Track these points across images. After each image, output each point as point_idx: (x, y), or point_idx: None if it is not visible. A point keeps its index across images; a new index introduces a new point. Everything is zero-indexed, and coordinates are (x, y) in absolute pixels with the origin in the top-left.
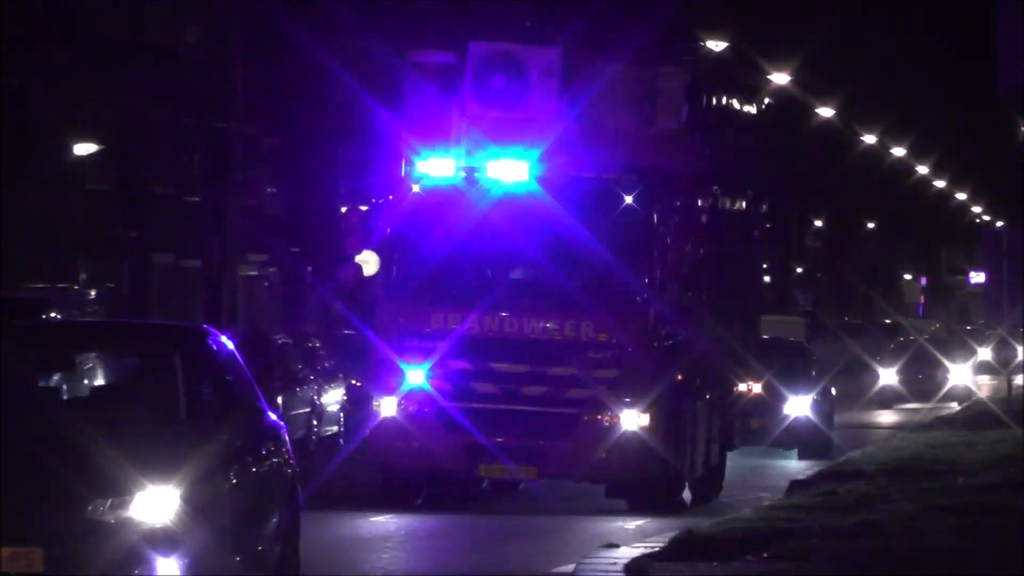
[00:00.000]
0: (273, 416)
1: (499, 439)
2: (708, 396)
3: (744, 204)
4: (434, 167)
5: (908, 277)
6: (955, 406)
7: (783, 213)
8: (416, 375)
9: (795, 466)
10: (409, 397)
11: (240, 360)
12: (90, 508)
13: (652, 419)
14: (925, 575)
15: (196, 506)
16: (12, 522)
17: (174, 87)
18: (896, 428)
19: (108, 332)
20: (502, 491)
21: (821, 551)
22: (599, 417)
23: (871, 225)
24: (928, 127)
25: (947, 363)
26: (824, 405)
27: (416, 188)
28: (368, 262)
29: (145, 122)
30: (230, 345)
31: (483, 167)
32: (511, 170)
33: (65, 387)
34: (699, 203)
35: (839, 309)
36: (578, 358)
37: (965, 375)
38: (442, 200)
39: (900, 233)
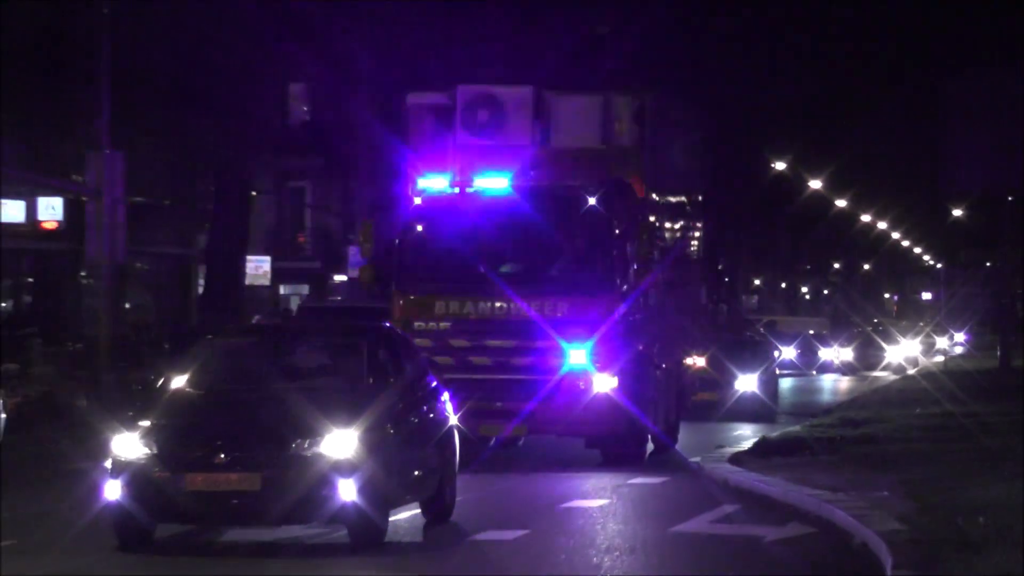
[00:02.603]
0: (434, 384)
1: (495, 404)
2: (664, 365)
3: (686, 213)
4: (432, 183)
5: (887, 295)
6: (892, 376)
7: (817, 261)
8: (423, 354)
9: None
10: None
11: (412, 346)
12: (294, 446)
13: (620, 382)
14: (909, 465)
15: (368, 444)
16: (240, 456)
17: None
18: (866, 383)
19: (320, 328)
20: (504, 448)
21: (843, 451)
22: (577, 382)
23: (867, 266)
24: (902, 211)
25: (885, 345)
26: (769, 382)
27: (417, 200)
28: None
29: None
30: (401, 337)
31: (472, 181)
32: (494, 183)
33: (288, 365)
34: (649, 207)
35: (849, 315)
36: (557, 333)
37: (899, 354)
38: (439, 209)
39: (883, 270)
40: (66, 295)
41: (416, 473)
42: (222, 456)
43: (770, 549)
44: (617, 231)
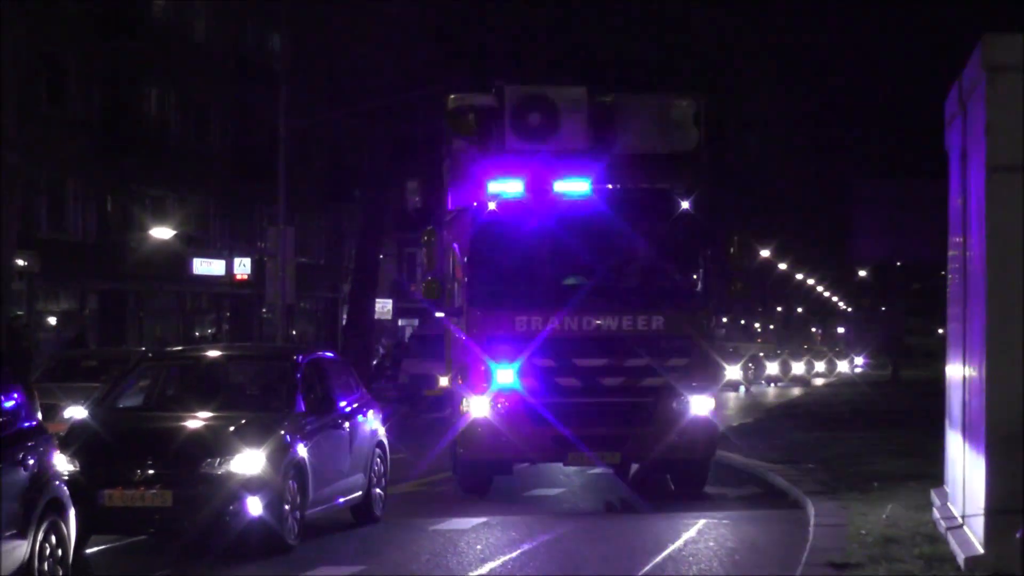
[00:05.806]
0: (362, 403)
1: (585, 429)
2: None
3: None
4: (504, 188)
5: (814, 330)
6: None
7: (765, 305)
8: (505, 375)
9: None
10: (499, 396)
11: (343, 369)
12: (204, 464)
13: (716, 403)
14: (829, 446)
15: (275, 463)
16: (154, 474)
17: None
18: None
19: (245, 354)
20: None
21: (783, 436)
22: (673, 404)
23: (799, 309)
24: (824, 271)
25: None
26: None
27: (492, 205)
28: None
29: None
30: (327, 363)
31: (550, 185)
32: (574, 186)
33: (211, 389)
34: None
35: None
36: (652, 350)
37: (736, 373)
38: (516, 216)
39: (813, 312)
40: (252, 326)
41: (332, 486)
42: (138, 473)
43: (733, 502)
44: (709, 238)
